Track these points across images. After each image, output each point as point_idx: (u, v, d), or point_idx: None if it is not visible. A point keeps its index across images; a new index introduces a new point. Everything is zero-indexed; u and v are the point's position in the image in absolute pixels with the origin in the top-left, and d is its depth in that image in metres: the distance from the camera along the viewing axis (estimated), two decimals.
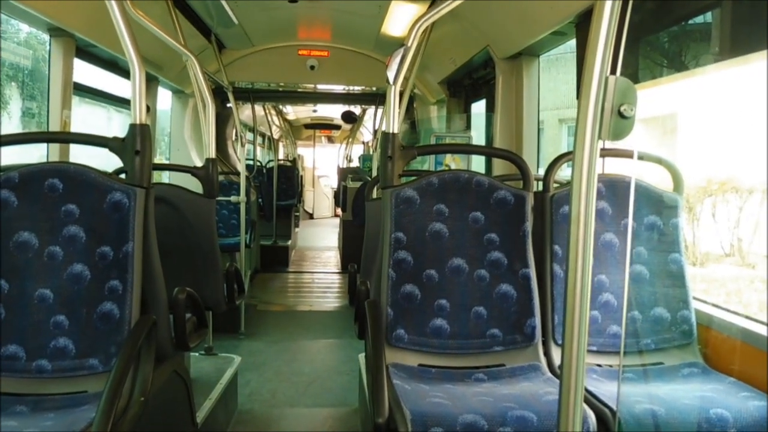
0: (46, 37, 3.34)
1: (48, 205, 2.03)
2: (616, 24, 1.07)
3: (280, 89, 7.63)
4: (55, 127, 3.27)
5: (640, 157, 2.48)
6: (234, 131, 7.60)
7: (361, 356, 3.64)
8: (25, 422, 1.73)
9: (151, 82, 5.03)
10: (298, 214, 11.38)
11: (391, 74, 2.21)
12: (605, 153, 2.51)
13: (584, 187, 1.08)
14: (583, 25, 3.09)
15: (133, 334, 1.94)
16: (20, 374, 1.95)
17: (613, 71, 1.10)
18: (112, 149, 2.09)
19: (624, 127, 1.11)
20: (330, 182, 16.09)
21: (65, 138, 3.10)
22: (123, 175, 2.15)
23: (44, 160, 3.16)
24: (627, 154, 2.44)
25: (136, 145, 2.04)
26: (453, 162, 4.73)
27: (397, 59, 2.21)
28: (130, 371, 1.87)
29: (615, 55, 1.10)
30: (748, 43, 2.16)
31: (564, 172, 2.78)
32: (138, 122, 2.03)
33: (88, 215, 2.03)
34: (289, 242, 9.21)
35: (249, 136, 9.70)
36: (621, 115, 1.10)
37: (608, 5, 1.06)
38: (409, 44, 2.22)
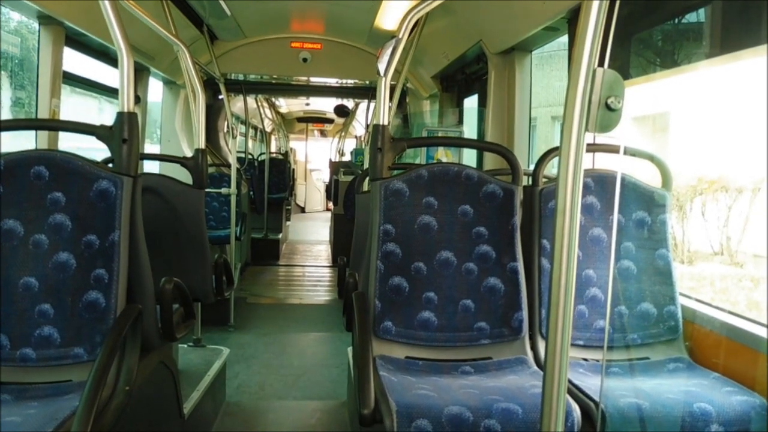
0: (35, 25, 3.31)
1: (34, 193, 2.01)
2: (605, 16, 1.07)
3: (273, 81, 7.59)
4: (44, 116, 3.24)
5: (631, 153, 2.49)
6: (226, 123, 7.57)
7: (350, 349, 3.64)
8: (8, 410, 1.71)
9: (142, 72, 5.00)
10: (289, 207, 11.36)
11: (381, 66, 2.20)
12: (594, 148, 2.52)
13: (570, 179, 1.08)
14: (575, 21, 3.09)
15: (118, 323, 1.93)
16: (4, 363, 1.93)
17: (601, 63, 1.10)
18: (99, 137, 2.07)
19: (611, 119, 1.11)
20: (322, 176, 16.07)
21: (53, 125, 3.07)
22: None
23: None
24: (615, 150, 2.44)
25: (123, 133, 2.02)
26: (444, 157, 4.73)
27: (388, 51, 2.20)
28: (115, 360, 1.86)
29: (603, 47, 1.10)
30: (740, 40, 2.16)
31: (555, 168, 2.78)
32: (126, 110, 2.02)
33: (75, 203, 2.02)
34: (280, 235, 9.20)
35: (241, 128, 9.66)
36: (608, 107, 1.10)
37: None
38: (400, 36, 2.21)
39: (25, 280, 1.97)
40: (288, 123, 14.19)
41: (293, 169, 12.32)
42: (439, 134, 5.07)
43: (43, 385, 1.93)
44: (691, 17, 2.75)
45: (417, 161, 5.10)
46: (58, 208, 2.01)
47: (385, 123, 2.31)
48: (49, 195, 2.02)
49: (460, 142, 4.61)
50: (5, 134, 2.32)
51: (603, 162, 2.89)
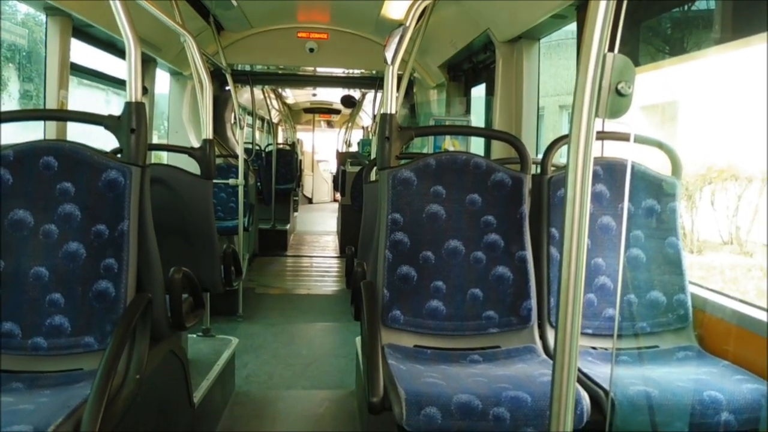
0: (42, 17, 3.31)
1: (43, 183, 2.02)
2: (615, 0, 1.06)
3: (280, 72, 7.58)
4: (52, 107, 3.25)
5: (640, 141, 2.47)
6: (233, 114, 7.57)
7: (358, 339, 3.65)
8: (20, 399, 1.73)
9: (149, 64, 5.00)
10: (296, 198, 11.37)
11: (389, 54, 2.19)
12: (603, 136, 2.50)
13: (580, 165, 1.07)
14: (584, 8, 3.06)
15: (128, 311, 1.94)
16: (16, 351, 1.95)
17: (611, 48, 1.09)
18: (107, 127, 2.08)
19: (621, 104, 1.10)
20: (329, 167, 16.09)
21: (60, 116, 3.08)
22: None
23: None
24: (625, 137, 2.43)
25: (131, 123, 2.03)
26: (452, 146, 4.71)
27: (396, 39, 2.19)
28: (125, 349, 1.87)
29: (613, 31, 1.09)
30: (750, 25, 2.14)
31: (563, 158, 2.76)
32: (133, 100, 2.02)
33: (84, 193, 2.02)
34: (288, 226, 9.21)
35: (248, 119, 9.67)
36: (618, 92, 1.09)
37: None
38: (407, 24, 2.20)
39: (35, 270, 1.98)
40: (295, 114, 14.18)
41: (300, 160, 12.33)
42: (447, 123, 5.05)
43: (55, 374, 1.95)
44: (700, 4, 2.72)
45: (424, 151, 5.09)
46: (68, 198, 2.02)
47: (393, 112, 2.30)
48: (58, 185, 2.02)
49: (468, 131, 4.59)
50: (14, 125, 2.33)
51: (611, 151, 2.88)
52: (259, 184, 7.97)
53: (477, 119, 5.17)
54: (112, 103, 5.62)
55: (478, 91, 5.34)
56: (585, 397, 1.82)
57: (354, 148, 11.70)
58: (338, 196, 10.78)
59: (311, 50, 6.22)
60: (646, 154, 2.57)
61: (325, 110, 13.49)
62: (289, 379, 4.06)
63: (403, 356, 2.15)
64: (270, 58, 6.55)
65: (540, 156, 2.62)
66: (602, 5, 1.04)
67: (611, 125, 2.42)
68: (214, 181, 3.20)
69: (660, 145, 2.51)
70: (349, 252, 3.43)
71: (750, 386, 1.86)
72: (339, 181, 9.29)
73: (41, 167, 2.03)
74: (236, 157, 5.83)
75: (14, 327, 1.96)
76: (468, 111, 5.47)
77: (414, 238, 2.32)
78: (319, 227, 11.44)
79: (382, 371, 1.89)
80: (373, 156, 6.49)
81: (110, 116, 2.08)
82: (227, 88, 6.65)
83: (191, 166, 3.15)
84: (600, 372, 2.02)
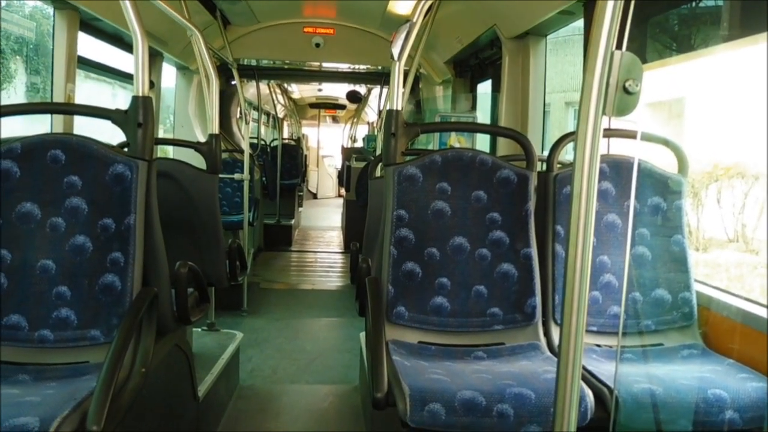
0: (50, 10, 3.32)
1: (50, 177, 2.03)
2: None
3: (286, 67, 7.58)
4: (59, 100, 3.26)
5: (646, 138, 2.47)
6: (238, 109, 7.57)
7: (362, 335, 3.66)
8: (27, 390, 1.74)
9: (156, 58, 5.01)
10: (301, 193, 11.39)
11: (395, 50, 2.19)
12: (610, 133, 2.49)
13: (587, 163, 1.07)
14: (591, 4, 3.05)
15: (134, 305, 1.95)
16: (22, 344, 1.96)
17: (619, 46, 1.08)
18: (114, 121, 2.08)
19: (629, 102, 1.10)
20: (334, 162, 16.10)
21: (67, 109, 3.09)
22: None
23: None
24: (631, 135, 2.42)
25: (138, 117, 2.03)
26: (457, 143, 4.71)
27: (402, 35, 2.19)
28: (131, 342, 1.88)
29: (621, 29, 1.08)
30: (759, 22, 2.13)
31: (569, 155, 2.76)
32: (140, 94, 2.03)
33: (91, 187, 2.03)
34: (293, 221, 9.23)
35: (254, 114, 9.67)
36: (626, 90, 1.09)
37: None
38: (414, 20, 2.20)
39: (42, 263, 1.99)
40: (300, 109, 14.18)
41: (305, 155, 12.35)
42: (452, 120, 5.05)
43: (61, 366, 1.96)
44: (708, 1, 2.71)
45: (430, 148, 5.08)
46: (75, 192, 2.03)
47: (399, 108, 2.30)
48: (65, 178, 2.03)
49: (474, 127, 4.59)
50: (22, 118, 2.34)
51: (615, 148, 2.86)
52: (264, 179, 7.98)
53: (483, 116, 5.16)
54: (118, 97, 5.64)
55: (484, 88, 5.33)
56: (589, 394, 1.82)
57: (359, 144, 11.69)
58: (343, 191, 10.78)
59: (317, 45, 6.22)
60: (653, 151, 2.56)
61: (330, 105, 13.48)
62: (293, 373, 4.08)
63: (407, 352, 2.16)
64: (276, 53, 6.55)
65: (546, 153, 2.61)
66: (610, 2, 1.04)
67: (617, 122, 2.41)
68: (220, 175, 3.20)
69: (666, 143, 2.50)
70: (354, 248, 3.43)
71: (754, 384, 1.86)
72: (344, 177, 9.30)
73: (49, 160, 2.04)
74: (242, 151, 5.84)
75: (21, 319, 1.97)
76: (474, 107, 5.46)
77: (419, 234, 2.32)
78: (323, 223, 11.45)
79: (386, 367, 1.89)
80: (378, 152, 6.49)
81: (117, 110, 2.08)
82: (233, 82, 6.65)
83: (197, 160, 3.16)
84: (604, 369, 2.02)
